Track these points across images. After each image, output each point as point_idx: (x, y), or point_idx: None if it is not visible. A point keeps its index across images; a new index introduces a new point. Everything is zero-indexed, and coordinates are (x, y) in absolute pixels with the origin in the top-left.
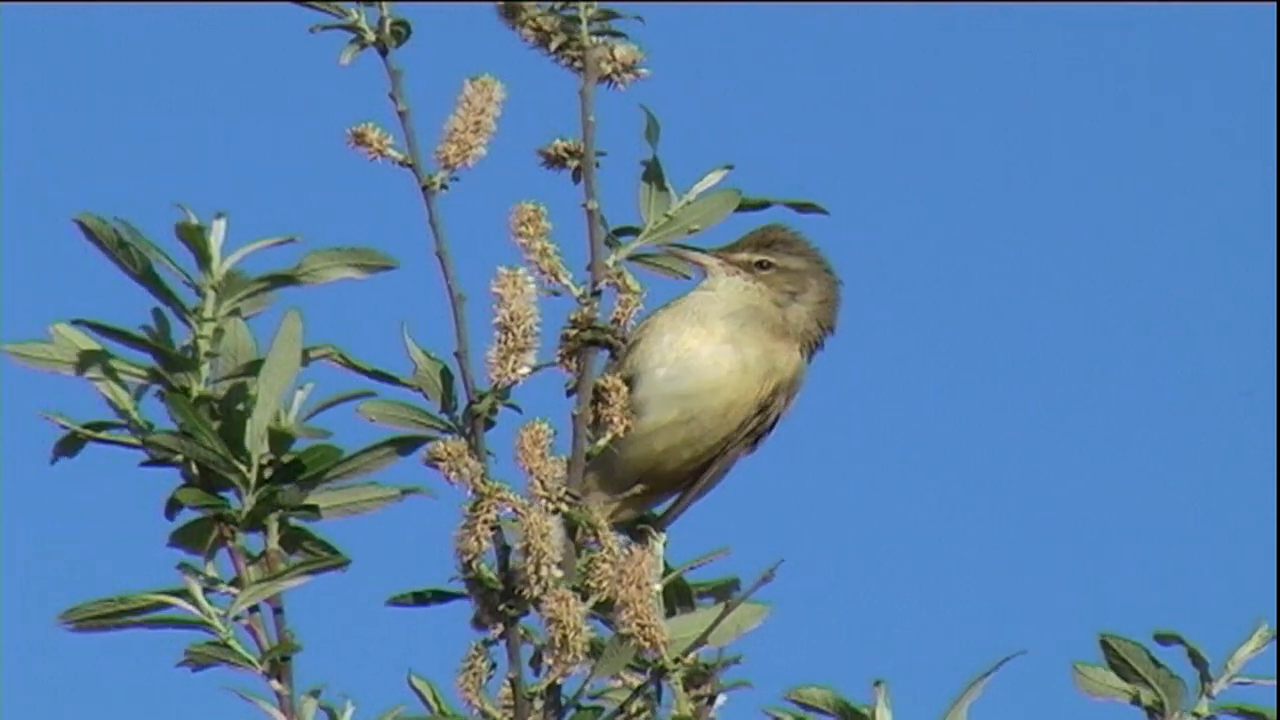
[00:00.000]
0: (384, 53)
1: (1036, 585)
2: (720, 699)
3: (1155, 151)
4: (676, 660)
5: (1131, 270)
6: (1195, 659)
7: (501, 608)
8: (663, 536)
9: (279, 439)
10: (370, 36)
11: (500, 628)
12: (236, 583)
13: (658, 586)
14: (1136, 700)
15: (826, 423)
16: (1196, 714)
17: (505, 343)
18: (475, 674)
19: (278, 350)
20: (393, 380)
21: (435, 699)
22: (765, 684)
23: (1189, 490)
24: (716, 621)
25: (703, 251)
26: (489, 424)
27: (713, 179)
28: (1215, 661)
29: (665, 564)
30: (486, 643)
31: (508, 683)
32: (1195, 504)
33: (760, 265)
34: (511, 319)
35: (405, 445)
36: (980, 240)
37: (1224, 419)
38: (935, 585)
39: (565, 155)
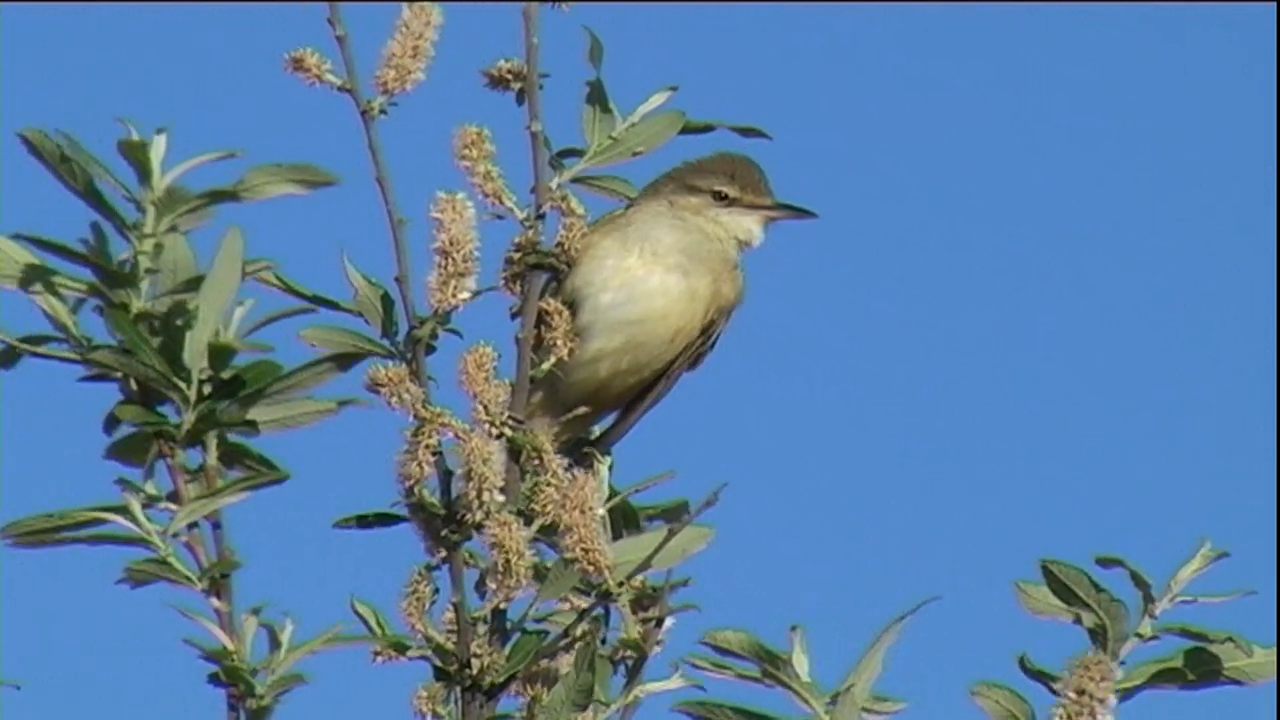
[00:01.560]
0: None
1: (981, 512)
2: (668, 622)
3: (1155, 151)
4: (621, 584)
5: (1129, 269)
6: (1138, 580)
7: (444, 533)
8: (607, 459)
9: (219, 355)
10: None
11: (443, 552)
12: (175, 499)
13: (601, 511)
14: (1079, 621)
15: (770, 345)
16: (1140, 635)
17: (445, 268)
18: (419, 599)
19: (219, 267)
20: (333, 305)
21: (379, 624)
22: (713, 607)
23: (1131, 410)
24: (661, 545)
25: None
26: (430, 349)
27: (657, 100)
28: (1158, 583)
29: (610, 487)
30: (429, 567)
31: (451, 607)
32: (1138, 424)
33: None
34: (451, 244)
35: (345, 361)
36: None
37: (1167, 339)
38: (879, 509)
39: (509, 77)
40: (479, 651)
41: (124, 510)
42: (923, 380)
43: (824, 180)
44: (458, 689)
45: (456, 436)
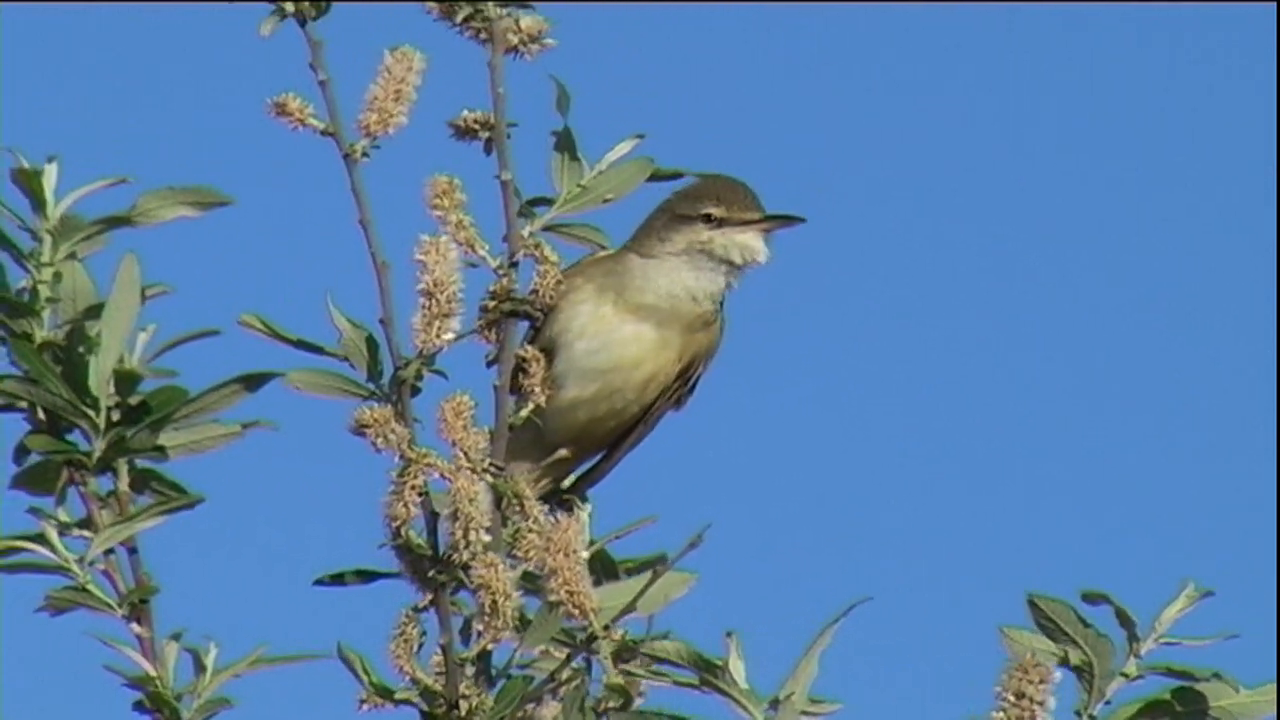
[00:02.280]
0: (303, 23)
1: (964, 545)
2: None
3: (1155, 151)
4: (605, 628)
5: (1127, 271)
6: (1123, 619)
7: (431, 574)
8: (588, 506)
9: (125, 381)
10: (290, 8)
11: (430, 594)
12: (89, 525)
13: (585, 554)
14: (1064, 661)
15: (750, 385)
16: (1125, 674)
17: (429, 309)
18: (406, 641)
19: (118, 294)
20: (318, 350)
21: (365, 670)
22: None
23: (1117, 450)
24: (645, 588)
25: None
26: (415, 390)
27: (624, 148)
28: (1143, 622)
29: (589, 537)
30: (417, 609)
31: (439, 650)
32: (1123, 464)
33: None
34: (435, 285)
35: (252, 382)
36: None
37: (1152, 377)
38: (863, 548)
39: (476, 127)
40: (467, 693)
41: (40, 538)
42: (904, 401)
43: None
44: None
45: (443, 477)
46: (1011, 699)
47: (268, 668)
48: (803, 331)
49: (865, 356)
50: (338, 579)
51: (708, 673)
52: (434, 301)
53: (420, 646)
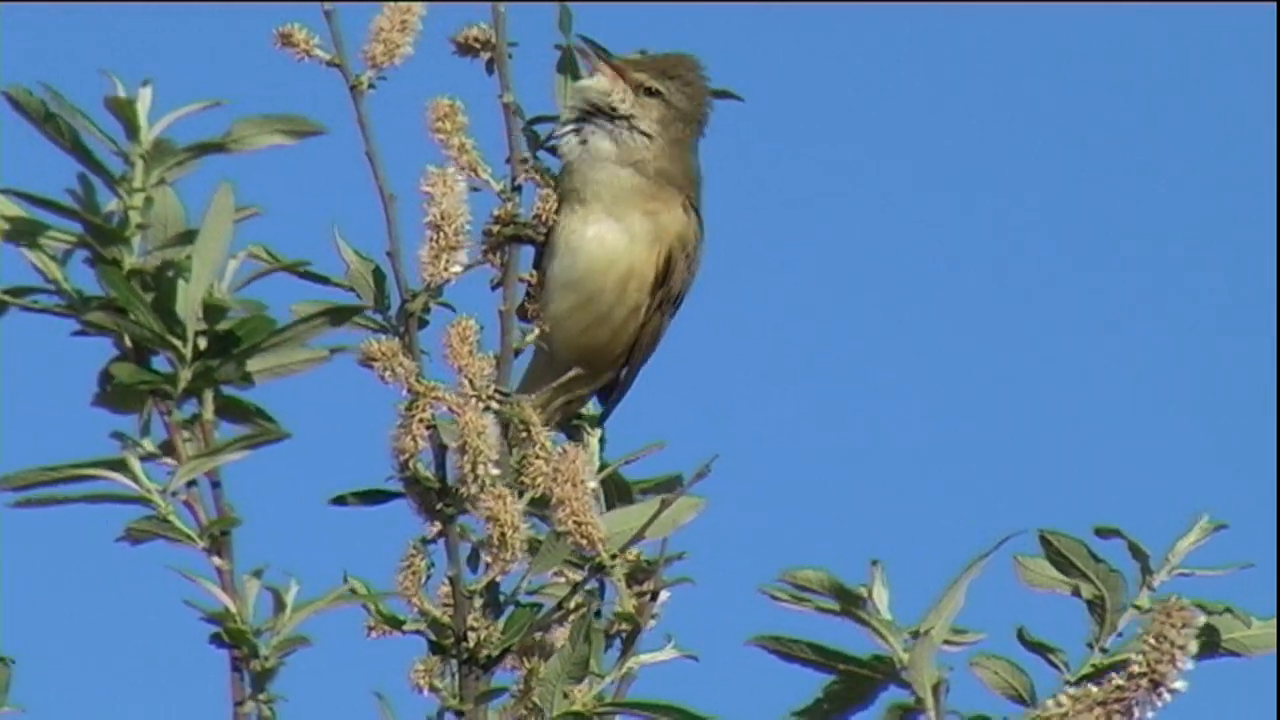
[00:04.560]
0: None
1: (979, 480)
2: (663, 595)
3: (1154, 151)
4: (614, 556)
5: (1128, 268)
6: (1136, 552)
7: (439, 506)
8: (597, 432)
9: (213, 312)
10: None
11: (438, 526)
12: (171, 452)
13: (593, 483)
14: (1078, 593)
15: (770, 317)
16: (1137, 606)
17: (437, 241)
18: (414, 573)
19: (211, 223)
20: (324, 280)
21: (372, 599)
22: (708, 580)
23: (1135, 385)
24: (654, 517)
25: (606, 55)
26: (422, 323)
27: None
28: (1156, 555)
29: (601, 460)
30: (424, 541)
31: (446, 581)
32: (1142, 399)
33: (649, 92)
34: (442, 218)
35: (338, 315)
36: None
37: (1167, 315)
38: (873, 479)
39: (477, 45)
40: (475, 625)
41: (122, 465)
42: (919, 353)
43: (800, 142)
44: (454, 663)
45: (450, 410)
46: (1152, 642)
47: (349, 605)
48: (816, 289)
49: (871, 315)
50: (358, 497)
51: (848, 602)
52: (441, 234)
53: (428, 578)
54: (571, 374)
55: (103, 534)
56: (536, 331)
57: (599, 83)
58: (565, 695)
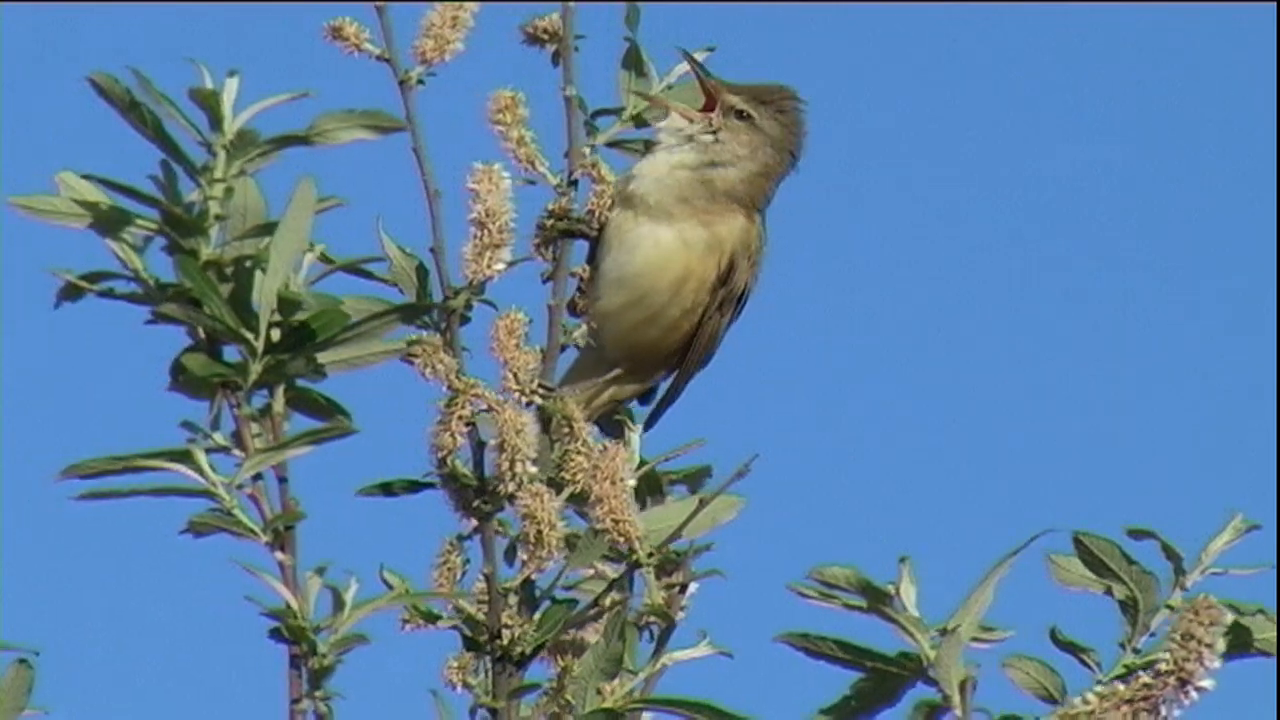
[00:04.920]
0: None
1: (1013, 480)
2: (692, 587)
3: (1154, 151)
4: (651, 555)
5: (1128, 275)
6: (1169, 553)
7: (476, 504)
8: (637, 428)
9: (287, 304)
10: None
11: (475, 523)
12: (239, 443)
13: (632, 482)
14: (1110, 592)
15: (809, 307)
16: (1170, 606)
17: (480, 239)
18: (450, 569)
19: (291, 217)
20: (367, 274)
21: (408, 592)
22: (737, 572)
23: (1169, 388)
24: (691, 516)
25: (704, 76)
26: (464, 320)
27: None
28: (1190, 556)
29: (639, 456)
30: (460, 538)
31: (482, 577)
32: (1174, 402)
33: (739, 114)
34: (487, 215)
35: (411, 313)
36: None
37: (1193, 320)
38: (906, 480)
39: (544, 36)
40: (509, 622)
41: (187, 456)
42: (946, 351)
43: (858, 143)
44: (487, 659)
45: (490, 407)
46: (1179, 640)
47: (408, 603)
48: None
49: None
50: (387, 488)
51: (876, 600)
52: (485, 231)
53: (463, 575)
54: (615, 373)
55: (166, 526)
56: (584, 327)
57: (673, 120)
58: (598, 692)
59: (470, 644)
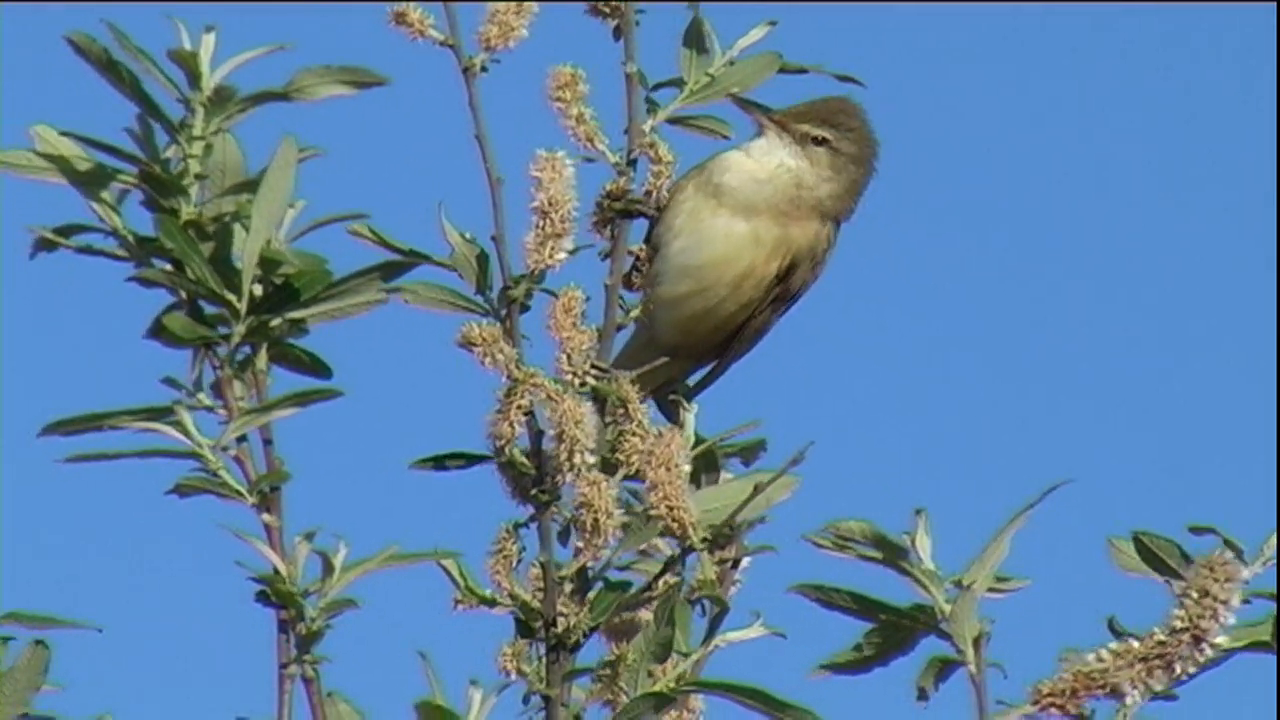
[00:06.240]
0: None
1: (1033, 434)
2: (744, 562)
3: (1154, 151)
4: (705, 540)
5: (1133, 276)
6: (1230, 547)
7: (533, 492)
8: (693, 407)
9: (269, 263)
10: None
11: (531, 511)
12: (221, 400)
13: (687, 467)
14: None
15: (863, 287)
16: None
17: (543, 228)
18: (505, 557)
19: (272, 175)
20: (427, 259)
21: (462, 575)
22: (790, 548)
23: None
24: (746, 501)
25: (766, 111)
26: (524, 308)
27: (756, 35)
28: (1249, 550)
29: (695, 434)
30: (516, 525)
31: (536, 564)
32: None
33: (816, 141)
34: (549, 204)
35: (391, 270)
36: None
37: (1234, 326)
38: (919, 432)
39: (606, 9)
40: (564, 610)
41: (170, 413)
42: (1006, 332)
43: (918, 128)
44: (540, 645)
45: (548, 397)
46: (1195, 595)
47: (397, 566)
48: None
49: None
50: (439, 462)
51: (891, 553)
52: (548, 220)
53: (519, 562)
54: (660, 362)
55: (151, 487)
56: (641, 307)
57: (769, 137)
58: (649, 674)
59: (524, 630)
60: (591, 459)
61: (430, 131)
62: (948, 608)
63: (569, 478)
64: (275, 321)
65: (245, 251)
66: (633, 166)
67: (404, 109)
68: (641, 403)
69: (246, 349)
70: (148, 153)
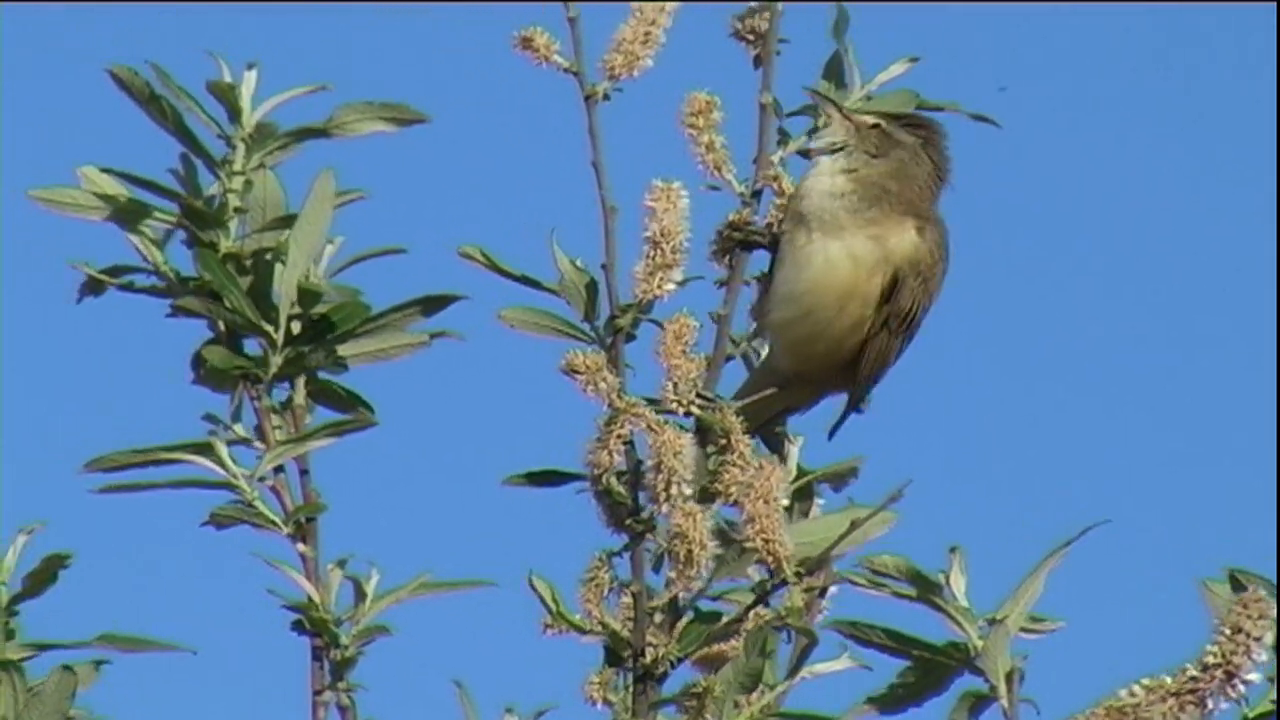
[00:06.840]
0: None
1: (1063, 471)
2: (832, 590)
3: (1153, 151)
4: (799, 574)
5: (1136, 273)
6: (1264, 585)
7: (629, 521)
8: (797, 441)
9: (307, 297)
10: None
11: (625, 540)
12: (261, 437)
13: (785, 501)
14: None
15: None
16: None
17: (653, 258)
18: (597, 585)
19: (310, 208)
20: (537, 285)
21: (554, 600)
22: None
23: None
24: (842, 537)
25: (838, 106)
26: (630, 338)
27: (896, 70)
28: None
29: (798, 467)
30: (610, 554)
31: (629, 594)
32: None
33: (873, 127)
34: (662, 234)
35: (431, 305)
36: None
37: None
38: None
39: (749, 36)
40: (654, 640)
41: (208, 449)
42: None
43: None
44: (628, 675)
45: (649, 428)
46: (1228, 633)
47: (430, 594)
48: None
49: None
50: (533, 478)
51: (926, 589)
52: (659, 251)
53: (610, 591)
54: (769, 392)
55: (188, 519)
56: (753, 339)
57: (830, 130)
58: (735, 705)
59: (612, 659)
60: (688, 490)
61: (468, 162)
62: (981, 644)
63: (664, 509)
64: (312, 352)
65: (282, 282)
66: (756, 198)
67: (443, 143)
68: (747, 434)
69: (286, 385)
70: (188, 188)
